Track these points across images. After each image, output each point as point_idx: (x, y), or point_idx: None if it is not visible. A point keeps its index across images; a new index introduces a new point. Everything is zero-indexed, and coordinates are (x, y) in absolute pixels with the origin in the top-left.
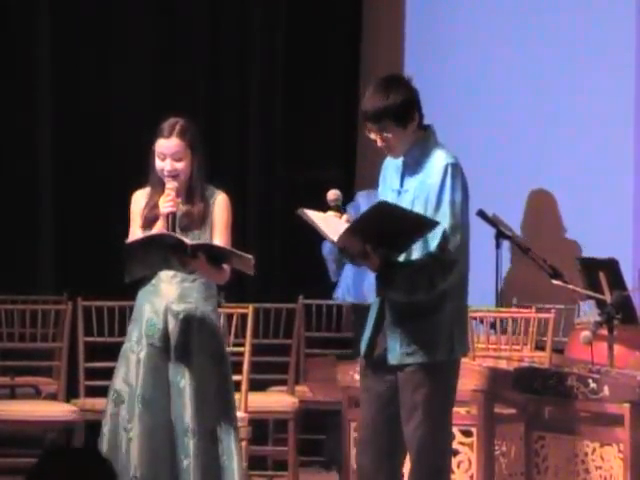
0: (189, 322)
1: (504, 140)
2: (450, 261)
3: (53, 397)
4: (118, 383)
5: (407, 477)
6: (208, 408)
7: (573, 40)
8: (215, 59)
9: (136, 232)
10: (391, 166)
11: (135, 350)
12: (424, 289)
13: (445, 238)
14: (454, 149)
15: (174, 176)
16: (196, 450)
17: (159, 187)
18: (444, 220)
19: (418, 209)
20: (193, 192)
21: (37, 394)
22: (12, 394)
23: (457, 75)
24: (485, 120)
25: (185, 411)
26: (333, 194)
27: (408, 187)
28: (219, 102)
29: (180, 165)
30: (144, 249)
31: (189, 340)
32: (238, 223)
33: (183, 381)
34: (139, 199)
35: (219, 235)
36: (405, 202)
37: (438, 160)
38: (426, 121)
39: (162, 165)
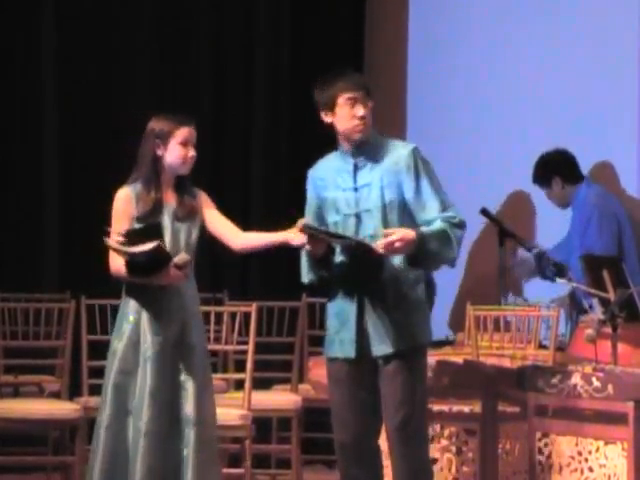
0: (190, 317)
1: (509, 136)
2: (460, 220)
3: (56, 395)
4: (115, 378)
5: (395, 469)
6: (206, 400)
7: (577, 40)
8: (218, 54)
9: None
10: (329, 170)
11: (139, 349)
12: (452, 248)
13: (444, 208)
14: (457, 145)
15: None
16: (197, 440)
17: (154, 183)
18: (432, 202)
19: (390, 196)
20: (186, 184)
21: (40, 392)
22: (15, 392)
23: (461, 72)
24: (489, 116)
25: (187, 403)
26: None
27: (367, 182)
28: (221, 100)
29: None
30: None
31: (190, 335)
32: (242, 222)
33: (184, 375)
34: (130, 198)
35: (223, 218)
36: (370, 195)
37: (400, 147)
38: (429, 115)
39: (184, 152)
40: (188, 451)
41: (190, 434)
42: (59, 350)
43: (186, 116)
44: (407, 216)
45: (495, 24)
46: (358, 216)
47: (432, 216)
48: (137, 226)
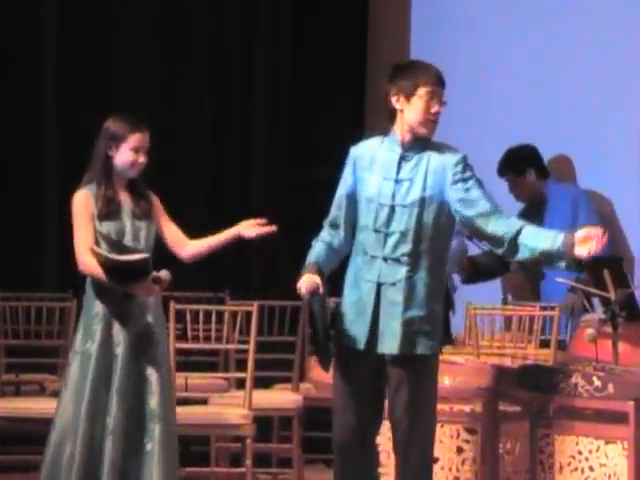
0: (154, 313)
1: (508, 136)
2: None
3: (58, 394)
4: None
5: (400, 469)
6: (169, 394)
7: (587, 28)
8: (218, 54)
9: (89, 239)
10: (373, 154)
11: (111, 346)
12: None
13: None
14: (457, 145)
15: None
16: (162, 435)
17: (105, 181)
18: (484, 202)
19: (430, 197)
20: (141, 184)
21: (42, 391)
22: (17, 391)
23: (461, 72)
24: (490, 117)
25: (152, 397)
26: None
27: (410, 177)
28: (221, 100)
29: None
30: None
31: (154, 330)
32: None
33: (150, 370)
34: (88, 197)
35: (173, 226)
36: (410, 191)
37: (450, 153)
38: None
39: (135, 157)
40: (153, 445)
41: (155, 429)
42: (60, 349)
43: (141, 121)
44: (442, 219)
45: (497, 24)
46: (393, 209)
47: (489, 209)
48: (123, 258)
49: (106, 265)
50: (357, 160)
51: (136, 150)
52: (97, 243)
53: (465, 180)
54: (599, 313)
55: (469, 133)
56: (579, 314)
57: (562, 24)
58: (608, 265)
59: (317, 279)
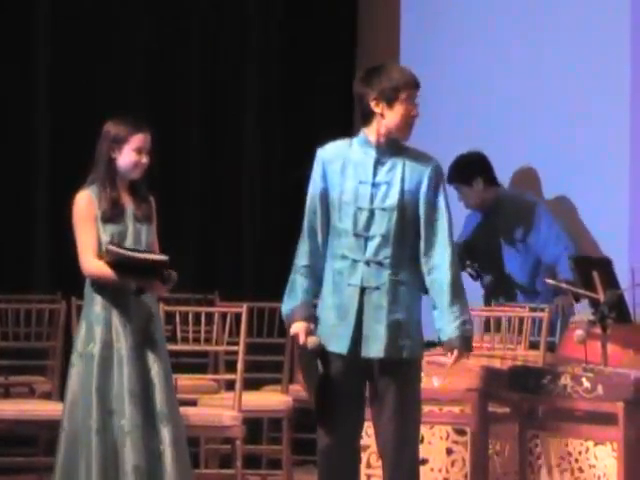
0: (154, 313)
1: (499, 142)
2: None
3: (47, 396)
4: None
5: (389, 471)
6: (172, 395)
7: (573, 33)
8: (218, 54)
9: (93, 241)
10: (344, 157)
11: (113, 348)
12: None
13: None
14: (446, 150)
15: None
16: (172, 437)
17: (109, 183)
18: (441, 247)
19: (408, 199)
20: (142, 187)
21: (31, 393)
22: (6, 393)
23: (453, 75)
24: (478, 122)
25: (158, 398)
26: (312, 342)
27: (387, 180)
28: (221, 100)
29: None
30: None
31: (154, 330)
32: (238, 222)
33: (154, 370)
34: (91, 199)
35: (155, 241)
36: (388, 194)
37: (425, 158)
38: (421, 116)
39: (137, 158)
40: (164, 447)
41: (164, 431)
42: (50, 351)
43: (142, 122)
44: (416, 220)
45: (488, 27)
46: (372, 212)
47: (438, 263)
48: (144, 256)
49: (123, 262)
50: (327, 164)
51: (139, 151)
52: (100, 244)
53: (435, 197)
54: (588, 314)
55: (456, 136)
56: (569, 315)
57: (554, 26)
58: (597, 266)
59: (312, 327)
